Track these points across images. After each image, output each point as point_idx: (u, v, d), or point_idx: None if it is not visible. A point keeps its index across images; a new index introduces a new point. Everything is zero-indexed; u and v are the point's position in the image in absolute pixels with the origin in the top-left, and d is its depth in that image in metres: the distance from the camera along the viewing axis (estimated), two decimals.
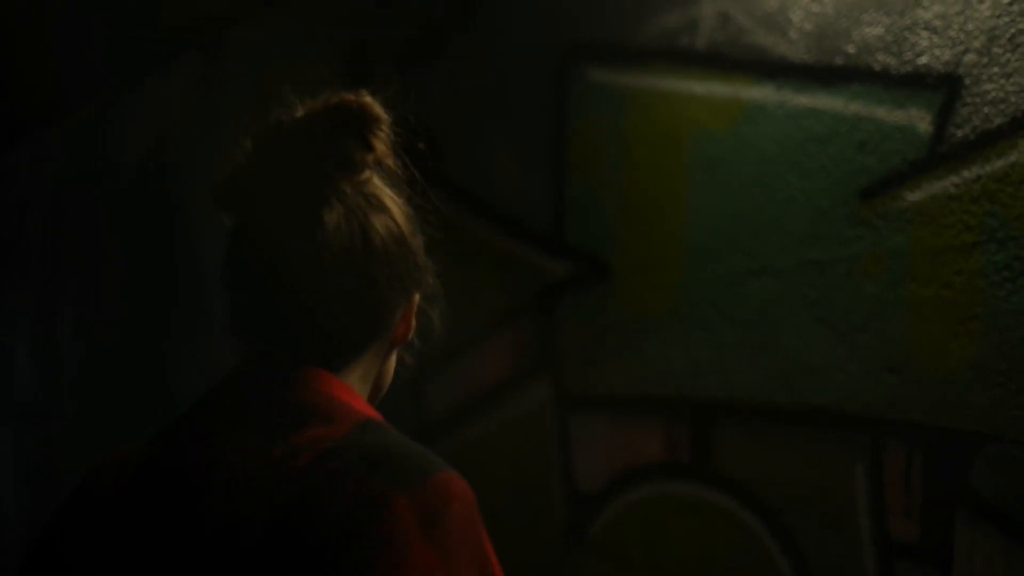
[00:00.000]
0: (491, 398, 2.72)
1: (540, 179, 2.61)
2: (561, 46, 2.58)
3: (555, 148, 2.58)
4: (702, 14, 2.26)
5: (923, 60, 1.88)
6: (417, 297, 1.25)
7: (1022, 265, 1.72)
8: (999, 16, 1.78)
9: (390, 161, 1.19)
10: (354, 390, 1.17)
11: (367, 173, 1.15)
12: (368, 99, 1.17)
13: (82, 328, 4.81)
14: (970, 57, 1.81)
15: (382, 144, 1.17)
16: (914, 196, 1.87)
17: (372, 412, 1.12)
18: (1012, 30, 1.76)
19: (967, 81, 1.81)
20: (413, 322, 1.26)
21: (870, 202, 1.95)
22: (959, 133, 1.81)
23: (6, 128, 5.27)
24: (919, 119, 1.87)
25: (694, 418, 2.24)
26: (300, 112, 1.17)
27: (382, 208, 1.16)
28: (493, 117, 2.76)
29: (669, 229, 2.30)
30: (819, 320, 2.02)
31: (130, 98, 4.47)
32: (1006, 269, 1.74)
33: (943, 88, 1.84)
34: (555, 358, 2.55)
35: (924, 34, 1.88)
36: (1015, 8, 1.76)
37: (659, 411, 2.31)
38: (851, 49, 1.99)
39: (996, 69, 1.78)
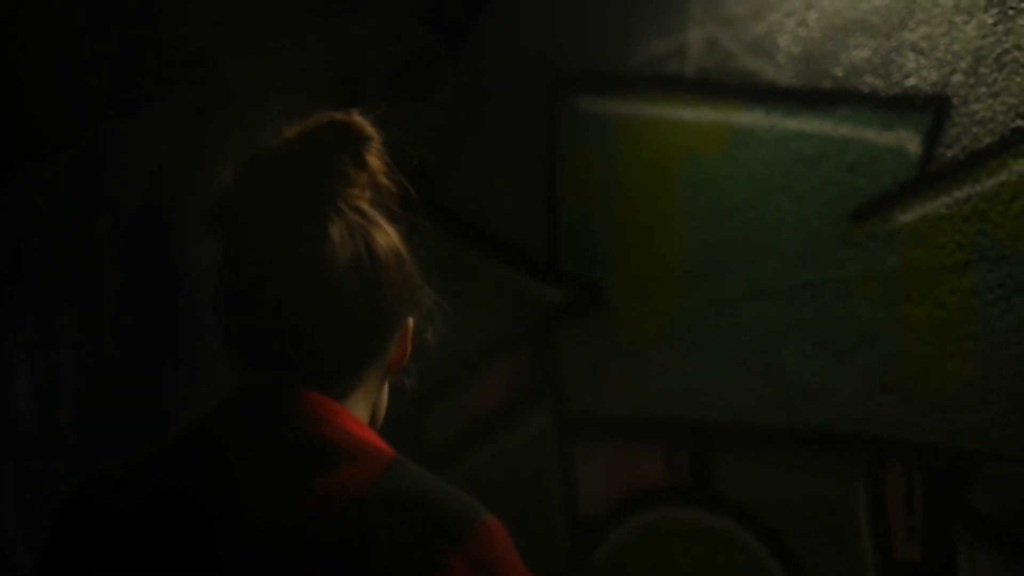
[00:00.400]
0: (491, 425, 2.72)
1: (533, 206, 2.61)
2: (551, 74, 2.59)
3: (547, 175, 2.59)
4: (689, 40, 2.27)
5: (911, 82, 1.89)
6: (411, 321, 1.23)
7: (1015, 283, 1.73)
8: (984, 36, 1.79)
9: (384, 179, 1.17)
10: (363, 421, 1.16)
11: (361, 190, 1.13)
12: (358, 117, 1.15)
13: (81, 360, 4.82)
14: (957, 78, 1.82)
15: (376, 160, 1.15)
16: (905, 217, 1.88)
17: (387, 447, 1.11)
18: (998, 50, 1.77)
19: (955, 101, 1.82)
20: (408, 346, 1.24)
21: (861, 224, 1.95)
22: (948, 153, 1.82)
23: (3, 161, 5.29)
24: (908, 140, 1.88)
25: (693, 441, 2.24)
26: (291, 133, 1.15)
27: (379, 224, 1.14)
28: (486, 144, 2.77)
29: (662, 253, 2.30)
30: (815, 341, 2.03)
31: (127, 130, 4.48)
32: (999, 288, 1.75)
33: (931, 109, 1.85)
34: (554, 384, 2.56)
35: (911, 56, 1.89)
36: (1000, 28, 1.77)
37: (658, 435, 2.31)
38: (839, 72, 2.01)
39: (983, 89, 1.79)
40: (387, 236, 1.14)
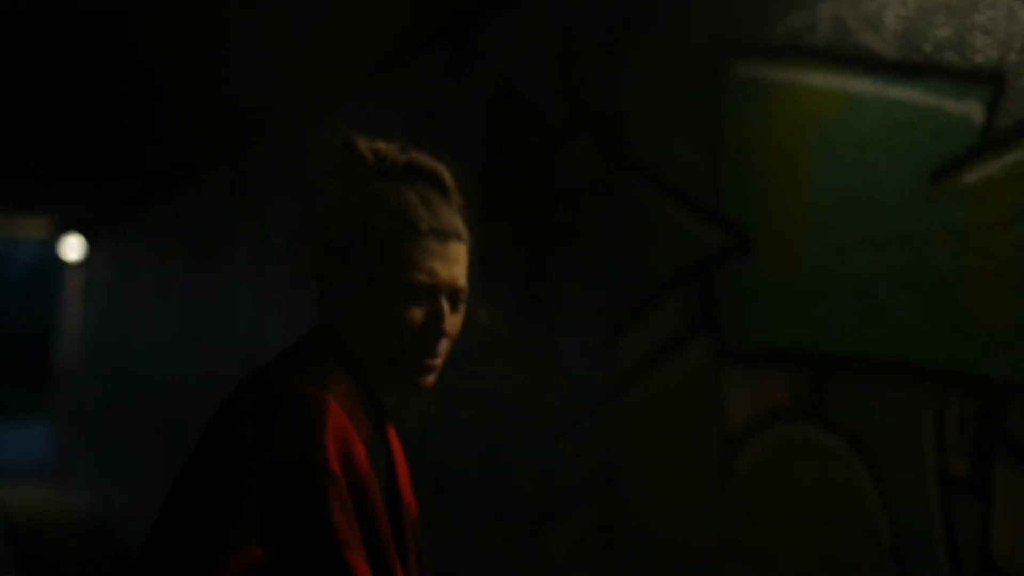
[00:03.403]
0: (665, 350, 3.11)
1: (703, 158, 2.97)
2: (716, 42, 2.93)
3: (714, 132, 2.93)
4: (819, 15, 2.56)
5: (978, 58, 2.14)
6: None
7: None
8: None
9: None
10: None
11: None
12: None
13: None
14: (1012, 57, 2.06)
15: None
16: (969, 178, 2.15)
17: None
18: None
19: (1009, 77, 2.06)
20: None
21: (938, 183, 2.23)
22: (1003, 123, 2.08)
23: None
24: (974, 111, 2.14)
25: (813, 371, 2.57)
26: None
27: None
28: (670, 102, 3.14)
29: (796, 205, 2.62)
30: (905, 286, 2.31)
31: None
32: None
33: (992, 83, 2.10)
34: (712, 316, 2.93)
35: (979, 35, 2.14)
36: None
37: (786, 364, 2.65)
38: (927, 48, 2.26)
39: None
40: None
